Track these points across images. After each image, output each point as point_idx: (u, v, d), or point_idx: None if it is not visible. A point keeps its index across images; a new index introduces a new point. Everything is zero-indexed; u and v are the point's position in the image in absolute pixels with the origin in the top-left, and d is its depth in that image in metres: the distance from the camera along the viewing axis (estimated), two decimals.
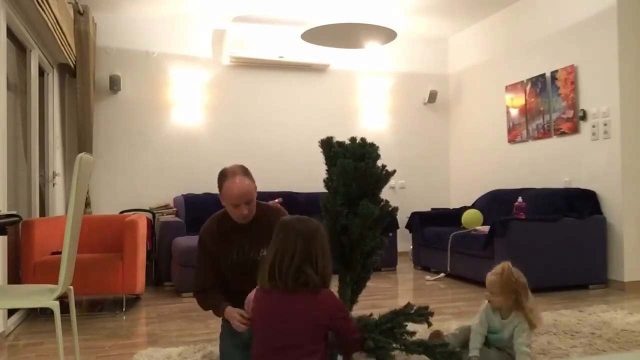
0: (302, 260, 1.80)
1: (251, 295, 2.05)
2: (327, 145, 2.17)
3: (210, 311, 2.44)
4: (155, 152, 5.79)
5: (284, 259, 1.81)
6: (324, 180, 2.16)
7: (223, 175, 2.33)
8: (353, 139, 2.15)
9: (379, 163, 2.14)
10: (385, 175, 2.11)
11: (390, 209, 2.11)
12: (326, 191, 2.19)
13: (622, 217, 4.41)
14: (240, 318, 2.13)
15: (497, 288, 2.36)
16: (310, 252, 1.81)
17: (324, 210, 2.09)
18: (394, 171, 2.14)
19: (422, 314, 2.15)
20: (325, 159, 2.18)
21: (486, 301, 2.45)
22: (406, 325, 2.09)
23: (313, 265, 1.80)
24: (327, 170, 2.16)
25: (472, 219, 5.20)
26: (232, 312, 2.20)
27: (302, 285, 1.80)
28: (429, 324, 2.20)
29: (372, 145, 2.14)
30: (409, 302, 2.22)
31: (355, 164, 2.03)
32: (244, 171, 2.33)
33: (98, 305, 4.23)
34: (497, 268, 2.42)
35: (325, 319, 1.82)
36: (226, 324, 2.32)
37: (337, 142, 2.17)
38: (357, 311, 2.37)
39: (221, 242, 2.39)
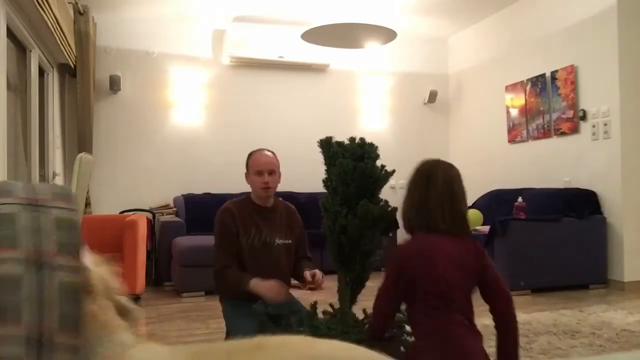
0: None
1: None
2: (327, 145, 2.16)
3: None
4: (155, 152, 5.79)
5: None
6: (323, 181, 2.16)
7: (250, 153, 2.64)
8: (352, 139, 2.15)
9: (378, 163, 2.14)
10: (384, 175, 2.11)
11: (389, 209, 2.11)
12: (326, 191, 2.19)
13: (622, 217, 4.41)
14: (278, 285, 2.19)
15: None
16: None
17: (323, 210, 2.09)
18: (394, 171, 2.14)
19: None
20: (325, 159, 2.18)
21: None
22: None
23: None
24: (326, 170, 2.16)
25: (472, 219, 5.20)
26: (262, 282, 2.24)
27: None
28: None
29: (372, 145, 2.13)
30: None
31: (354, 163, 2.02)
32: (270, 150, 2.65)
33: None
34: None
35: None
36: (236, 309, 2.37)
37: (337, 142, 2.17)
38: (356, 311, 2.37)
39: (240, 223, 2.49)
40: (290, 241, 2.58)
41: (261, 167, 2.52)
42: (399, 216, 1.90)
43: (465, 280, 1.67)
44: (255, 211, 2.54)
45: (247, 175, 2.63)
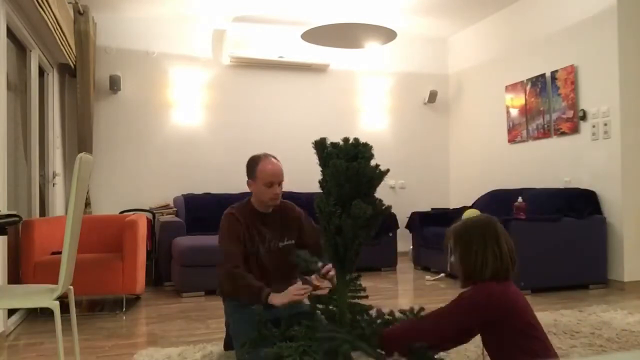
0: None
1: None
2: (321, 146, 2.16)
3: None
4: (155, 152, 5.79)
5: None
6: (319, 182, 2.16)
7: (255, 158, 2.54)
8: (346, 140, 2.15)
9: (374, 162, 2.14)
10: (379, 175, 2.10)
11: (383, 207, 2.10)
12: (320, 191, 2.19)
13: (622, 217, 4.41)
14: (295, 289, 2.20)
15: None
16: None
17: (317, 211, 2.09)
18: (388, 170, 2.14)
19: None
20: (319, 160, 2.18)
21: None
22: None
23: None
24: (321, 171, 2.16)
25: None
26: (280, 295, 2.23)
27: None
28: None
29: (365, 145, 2.13)
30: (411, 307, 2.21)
31: (347, 164, 2.02)
32: (274, 157, 2.57)
33: (98, 305, 4.23)
34: None
35: None
36: (237, 308, 2.39)
37: (331, 142, 2.17)
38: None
39: (245, 231, 2.49)
40: (292, 241, 2.59)
41: (272, 178, 2.49)
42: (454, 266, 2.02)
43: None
44: (257, 218, 2.55)
45: (251, 182, 2.57)
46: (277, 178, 2.49)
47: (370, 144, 2.16)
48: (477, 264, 1.90)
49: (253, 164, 2.55)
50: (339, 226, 2.01)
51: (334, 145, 2.14)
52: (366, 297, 2.21)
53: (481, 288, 1.88)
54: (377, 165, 2.12)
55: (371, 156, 2.12)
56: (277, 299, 2.24)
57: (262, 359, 1.95)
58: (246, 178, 2.65)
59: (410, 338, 1.89)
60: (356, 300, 2.17)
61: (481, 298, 1.86)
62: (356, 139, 2.15)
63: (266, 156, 2.56)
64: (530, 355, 1.78)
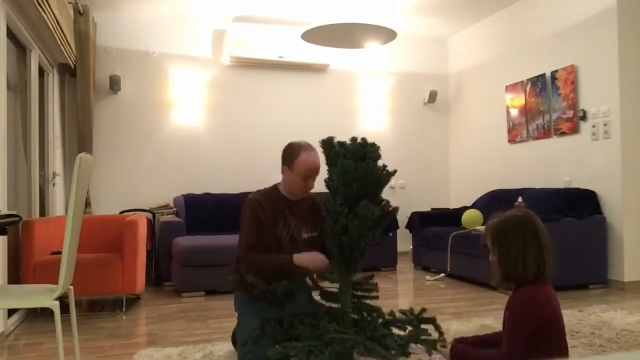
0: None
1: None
2: (328, 145, 2.16)
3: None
4: (155, 152, 5.79)
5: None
6: (325, 180, 2.16)
7: (296, 147, 2.44)
8: (354, 139, 2.14)
9: (380, 163, 2.14)
10: (385, 176, 2.10)
11: (390, 209, 2.10)
12: (326, 191, 2.19)
13: (622, 217, 4.41)
14: (320, 255, 2.19)
15: None
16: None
17: (324, 210, 2.09)
18: (395, 171, 2.14)
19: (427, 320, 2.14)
20: (326, 159, 2.17)
21: None
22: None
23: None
24: (328, 170, 2.16)
25: (472, 219, 5.20)
26: (304, 254, 2.23)
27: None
28: (441, 333, 2.17)
29: (373, 145, 2.12)
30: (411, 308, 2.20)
31: (355, 164, 2.02)
32: (313, 148, 2.47)
33: (98, 305, 4.23)
34: None
35: None
36: (245, 303, 2.38)
37: (338, 142, 2.16)
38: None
39: (269, 215, 2.45)
40: (315, 234, 2.56)
41: (311, 173, 2.44)
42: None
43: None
44: (284, 204, 2.50)
45: (286, 170, 2.49)
46: (315, 173, 2.44)
47: (378, 144, 2.16)
48: (518, 265, 1.83)
49: (292, 153, 2.46)
50: (345, 226, 2.01)
51: (342, 144, 2.13)
52: (376, 297, 2.20)
53: (527, 297, 1.82)
54: (384, 166, 2.11)
55: (378, 156, 2.12)
56: (302, 258, 2.21)
57: (265, 356, 1.94)
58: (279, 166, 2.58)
59: None
60: (366, 301, 2.17)
61: (531, 308, 1.80)
62: (364, 139, 2.14)
63: (308, 146, 2.46)
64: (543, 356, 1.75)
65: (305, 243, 2.49)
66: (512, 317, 1.83)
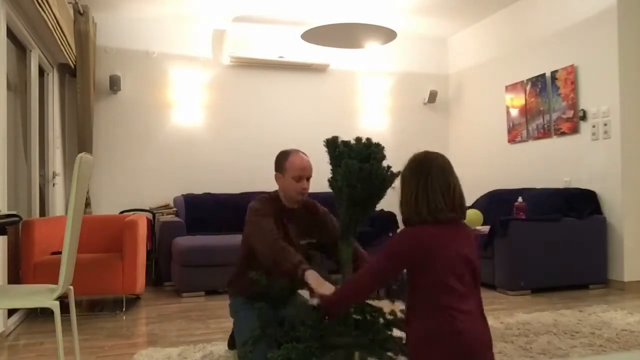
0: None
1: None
2: (332, 144, 2.14)
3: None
4: (155, 152, 5.79)
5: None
6: (329, 180, 2.14)
7: (284, 153, 2.54)
8: (359, 139, 2.12)
9: (384, 164, 2.12)
10: (390, 176, 2.08)
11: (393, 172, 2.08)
12: (330, 191, 2.18)
13: (622, 217, 4.41)
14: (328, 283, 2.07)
15: None
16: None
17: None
18: (399, 172, 2.13)
19: None
20: (330, 159, 2.16)
21: None
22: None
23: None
24: (331, 170, 2.14)
25: (472, 219, 5.20)
26: (316, 276, 2.09)
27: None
28: None
29: (378, 145, 2.10)
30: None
31: (360, 164, 2.00)
32: (303, 152, 2.56)
33: (98, 305, 4.23)
34: None
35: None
36: (243, 306, 2.38)
37: (343, 141, 2.14)
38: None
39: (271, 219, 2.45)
40: (313, 240, 2.56)
41: (301, 172, 2.47)
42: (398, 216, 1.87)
43: (470, 270, 1.65)
44: (283, 213, 2.52)
45: (279, 176, 2.55)
46: (305, 172, 2.48)
47: (382, 145, 2.14)
48: (410, 206, 1.71)
49: (282, 158, 2.54)
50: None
51: (346, 144, 2.12)
52: (380, 298, 2.19)
53: (400, 232, 1.72)
54: (388, 167, 2.10)
55: (383, 157, 2.10)
56: (312, 278, 2.07)
57: (265, 357, 1.94)
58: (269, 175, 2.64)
59: (350, 297, 1.83)
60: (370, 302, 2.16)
61: (394, 242, 1.70)
62: (368, 139, 2.12)
63: (296, 151, 2.55)
64: (429, 324, 1.57)
65: (303, 249, 2.48)
66: (382, 248, 1.72)
